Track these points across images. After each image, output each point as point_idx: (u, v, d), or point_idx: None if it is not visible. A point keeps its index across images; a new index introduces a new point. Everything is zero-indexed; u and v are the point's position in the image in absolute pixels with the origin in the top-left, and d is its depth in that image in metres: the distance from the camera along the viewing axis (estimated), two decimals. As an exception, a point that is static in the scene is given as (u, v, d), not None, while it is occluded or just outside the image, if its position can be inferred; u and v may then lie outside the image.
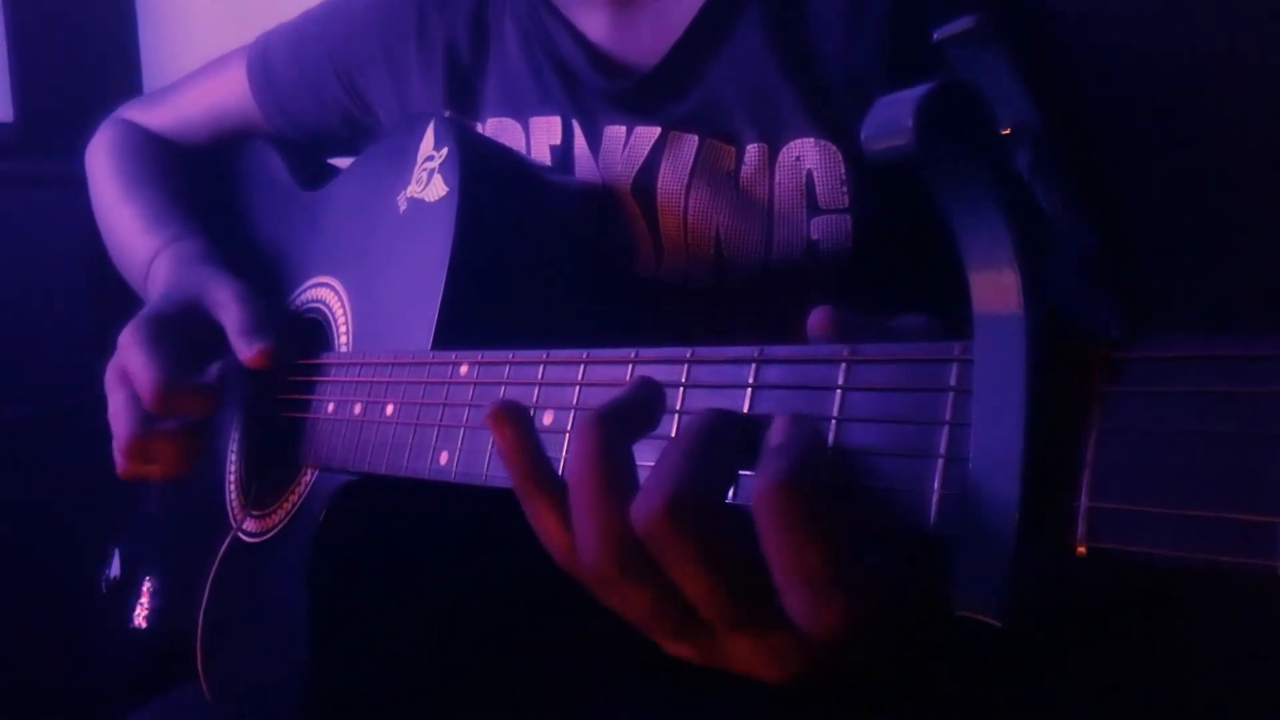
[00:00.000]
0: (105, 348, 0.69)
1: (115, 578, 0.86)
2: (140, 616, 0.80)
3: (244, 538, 0.69)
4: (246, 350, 0.66)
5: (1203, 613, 0.52)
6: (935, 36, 0.31)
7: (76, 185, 0.97)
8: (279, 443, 0.67)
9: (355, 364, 0.61)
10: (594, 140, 0.68)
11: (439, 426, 0.51)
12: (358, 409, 0.59)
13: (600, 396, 0.40)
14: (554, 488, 0.37)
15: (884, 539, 0.33)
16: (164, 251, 0.81)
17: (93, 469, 0.79)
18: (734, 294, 0.63)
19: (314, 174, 0.84)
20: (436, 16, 0.77)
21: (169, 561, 0.80)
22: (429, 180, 0.62)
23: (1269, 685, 0.65)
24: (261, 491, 0.70)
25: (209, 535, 0.73)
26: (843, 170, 0.59)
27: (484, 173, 0.61)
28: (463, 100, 0.75)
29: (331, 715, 0.61)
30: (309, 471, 0.64)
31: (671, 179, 0.64)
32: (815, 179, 0.60)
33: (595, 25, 0.70)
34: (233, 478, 0.74)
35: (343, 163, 0.85)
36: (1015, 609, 0.28)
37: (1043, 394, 0.28)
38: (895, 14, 0.58)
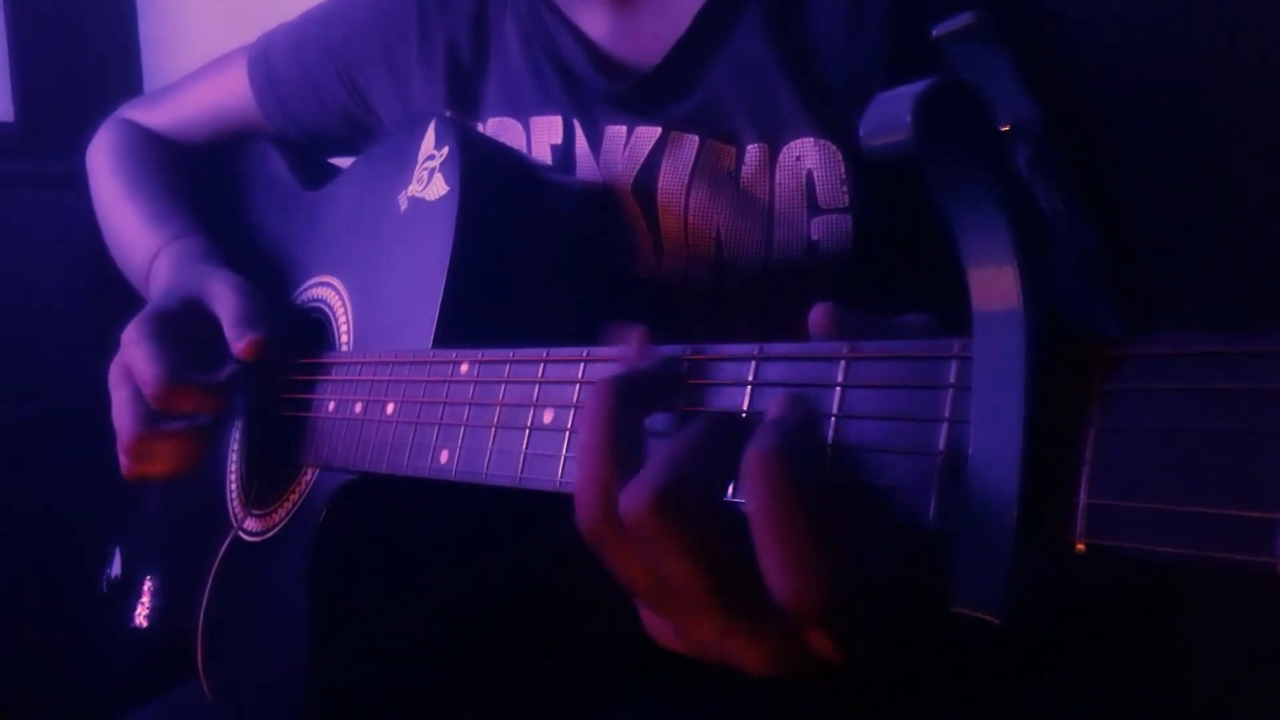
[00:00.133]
0: (105, 347, 0.70)
1: (116, 577, 0.86)
2: (141, 616, 0.80)
3: (245, 537, 0.69)
4: (238, 341, 0.66)
5: (1203, 613, 0.52)
6: (934, 33, 0.31)
7: (77, 185, 0.97)
8: (280, 442, 0.67)
9: (356, 363, 0.61)
10: (595, 140, 0.68)
11: (439, 425, 0.51)
12: (358, 408, 0.59)
13: None
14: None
15: (883, 537, 0.33)
16: (165, 250, 0.81)
17: (93, 469, 0.79)
18: (734, 294, 0.63)
19: (315, 174, 0.84)
20: (437, 16, 0.77)
21: (170, 561, 0.80)
22: (430, 179, 0.62)
23: (1269, 685, 0.65)
24: (262, 491, 0.70)
25: (210, 534, 0.73)
26: (843, 170, 0.59)
27: (485, 172, 0.61)
28: (464, 100, 0.76)
29: (332, 715, 0.61)
30: (310, 471, 0.64)
31: (672, 179, 0.64)
32: (815, 179, 0.60)
33: (596, 25, 0.70)
34: (234, 477, 0.74)
35: (344, 162, 0.85)
36: (1014, 607, 0.28)
37: (1042, 391, 0.28)
38: (895, 14, 0.58)
